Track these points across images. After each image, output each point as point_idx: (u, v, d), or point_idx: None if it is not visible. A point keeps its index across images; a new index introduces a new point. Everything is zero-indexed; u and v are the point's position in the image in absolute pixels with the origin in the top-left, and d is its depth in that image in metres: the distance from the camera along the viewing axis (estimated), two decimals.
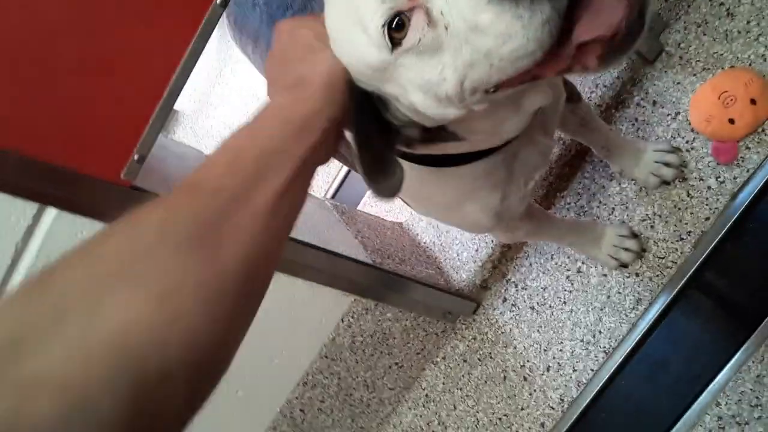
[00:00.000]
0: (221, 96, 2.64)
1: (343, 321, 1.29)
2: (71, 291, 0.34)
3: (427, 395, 1.47)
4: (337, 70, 0.55)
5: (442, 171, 0.75)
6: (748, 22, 1.10)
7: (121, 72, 0.90)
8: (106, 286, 0.34)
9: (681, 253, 1.12)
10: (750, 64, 1.08)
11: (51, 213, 0.94)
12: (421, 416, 1.47)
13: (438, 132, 0.62)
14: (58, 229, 0.95)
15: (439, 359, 1.46)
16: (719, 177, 1.09)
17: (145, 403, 0.32)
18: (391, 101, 0.58)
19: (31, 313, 0.32)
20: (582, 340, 1.22)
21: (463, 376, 1.40)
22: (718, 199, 1.09)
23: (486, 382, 1.36)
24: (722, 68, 1.11)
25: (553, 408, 1.24)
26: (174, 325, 0.34)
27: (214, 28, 0.93)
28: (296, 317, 1.25)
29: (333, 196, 1.69)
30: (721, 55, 1.12)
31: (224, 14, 1.08)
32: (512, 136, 0.72)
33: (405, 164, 0.75)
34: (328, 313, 1.28)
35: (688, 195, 1.12)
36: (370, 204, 1.65)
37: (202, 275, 0.37)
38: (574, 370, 1.22)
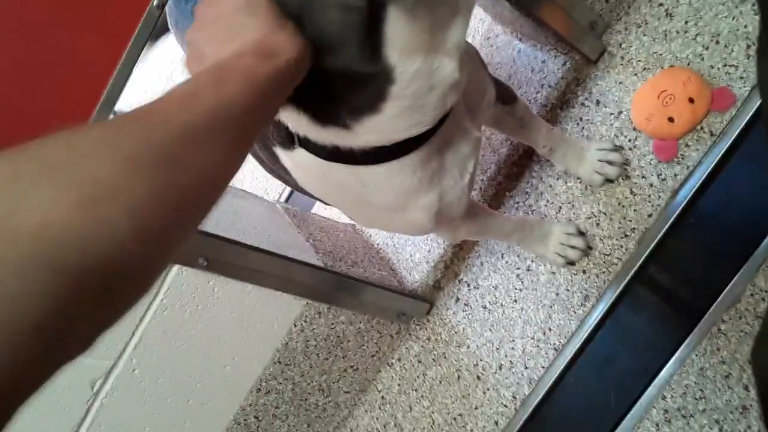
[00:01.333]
0: None
1: (295, 325, 1.29)
2: None
3: (383, 397, 1.47)
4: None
5: (380, 170, 0.74)
6: (686, 23, 1.13)
7: (54, 78, 0.88)
8: (33, 183, 0.33)
9: (626, 249, 1.14)
10: (688, 64, 1.11)
11: None
12: (377, 419, 1.47)
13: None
14: None
15: (394, 361, 1.46)
16: (660, 174, 1.11)
17: (59, 298, 0.31)
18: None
19: None
20: (533, 338, 1.24)
21: (418, 377, 1.41)
22: (660, 196, 1.11)
23: (440, 382, 1.37)
24: (662, 67, 1.13)
25: (506, 406, 1.25)
26: (98, 230, 0.33)
27: (151, 31, 0.91)
28: (248, 323, 1.24)
29: (287, 200, 1.68)
30: (661, 54, 1.14)
31: (167, 12, 1.07)
32: (441, 113, 0.70)
33: (343, 171, 0.74)
34: (281, 318, 1.27)
35: (632, 192, 1.14)
36: (324, 206, 1.64)
37: (136, 190, 0.36)
38: (526, 368, 1.24)
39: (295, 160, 0.77)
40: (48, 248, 0.31)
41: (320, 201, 0.94)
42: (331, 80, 0.61)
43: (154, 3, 0.89)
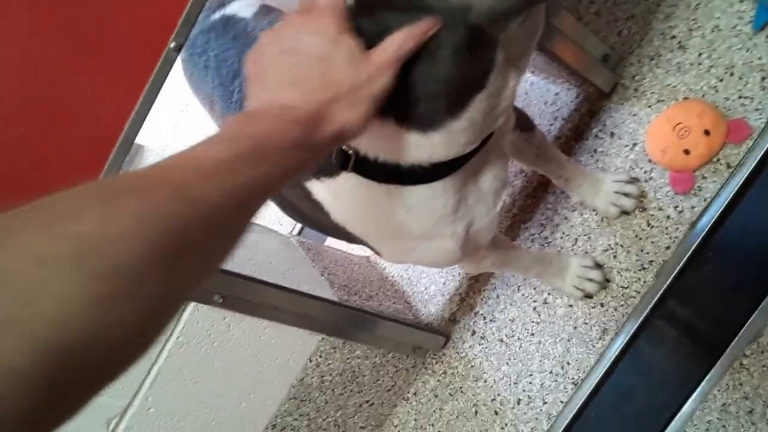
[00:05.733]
0: (188, 127, 2.62)
1: (311, 361, 1.28)
2: (22, 255, 0.32)
3: None
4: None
5: (425, 191, 0.74)
6: (700, 55, 1.13)
7: (74, 118, 0.89)
8: (59, 270, 0.33)
9: (644, 282, 1.13)
10: (703, 96, 1.11)
11: None
12: None
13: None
14: None
15: (410, 395, 1.44)
16: (678, 206, 1.10)
17: (51, 382, 0.31)
18: None
19: None
20: (551, 372, 1.22)
21: (434, 411, 1.39)
22: (677, 228, 1.10)
23: (458, 417, 1.35)
24: (676, 100, 1.13)
25: None
26: (109, 333, 0.34)
27: (168, 74, 0.92)
28: (263, 359, 1.23)
29: (299, 233, 1.68)
30: (675, 86, 1.14)
31: (181, 65, 1.09)
32: (486, 134, 0.72)
33: (389, 195, 0.74)
34: (296, 354, 1.27)
35: (648, 225, 1.13)
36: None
37: (157, 287, 0.36)
38: (545, 403, 1.22)
39: (336, 188, 0.77)
40: (58, 342, 0.31)
41: (345, 239, 0.93)
42: (423, 82, 0.62)
43: (171, 45, 0.90)
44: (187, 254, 0.39)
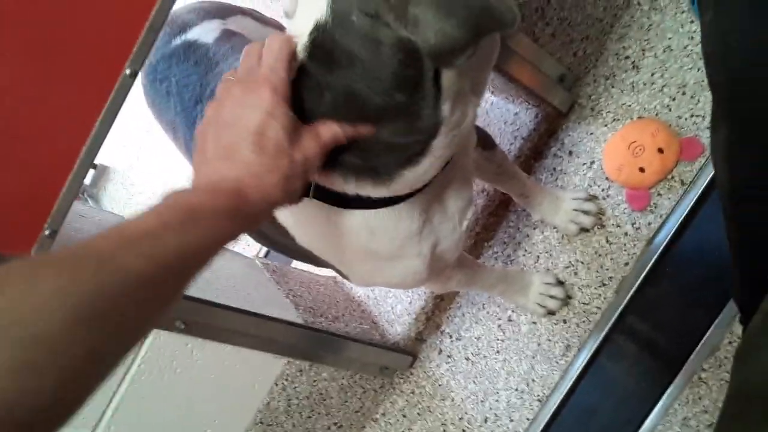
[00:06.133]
0: (152, 149, 2.59)
1: (277, 384, 1.27)
2: None
3: None
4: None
5: (389, 213, 0.75)
6: (653, 74, 1.15)
7: (29, 142, 0.88)
8: None
9: (604, 298, 1.14)
10: (656, 114, 1.13)
11: None
12: None
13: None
14: None
15: (378, 416, 1.44)
16: (635, 223, 1.12)
17: None
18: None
19: None
20: (516, 389, 1.23)
21: (403, 431, 1.39)
22: (635, 245, 1.12)
23: None
24: (631, 118, 1.16)
25: None
26: (28, 401, 0.35)
27: (124, 99, 0.91)
28: (228, 384, 1.22)
29: (266, 255, 1.67)
30: (629, 106, 1.17)
31: (143, 91, 1.08)
32: (450, 155, 0.73)
33: (352, 219, 0.74)
34: (261, 378, 1.25)
35: (607, 241, 1.15)
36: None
37: (77, 353, 0.38)
38: (511, 420, 1.22)
39: (299, 213, 0.77)
40: None
41: (313, 263, 0.93)
42: (378, 144, 0.64)
43: (127, 72, 0.89)
44: (112, 321, 0.40)
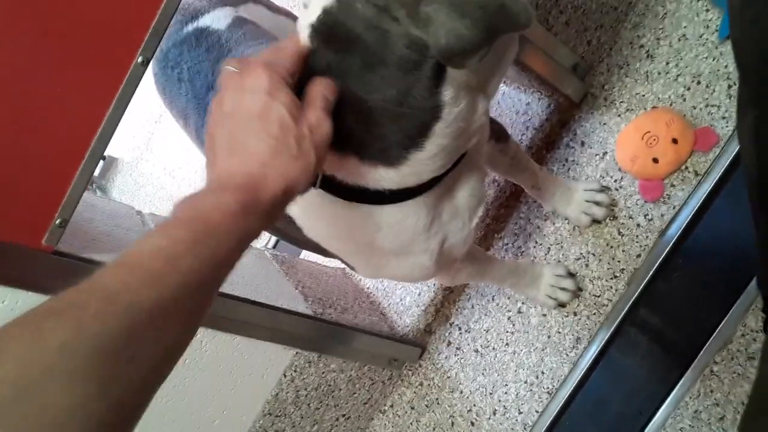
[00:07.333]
0: (161, 140, 2.59)
1: (285, 375, 1.26)
2: None
3: None
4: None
5: (396, 209, 0.73)
6: (667, 63, 1.14)
7: (40, 132, 0.88)
8: None
9: (615, 290, 1.13)
10: (671, 104, 1.12)
11: None
12: None
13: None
14: None
15: (386, 408, 1.43)
16: (647, 215, 1.11)
17: None
18: None
19: None
20: (526, 382, 1.22)
21: (411, 424, 1.38)
22: (647, 237, 1.11)
23: (434, 429, 1.34)
24: (645, 108, 1.14)
25: None
26: None
27: (136, 88, 0.91)
28: (236, 375, 1.22)
29: (275, 246, 1.67)
30: (643, 95, 1.15)
31: (153, 79, 1.07)
32: (462, 150, 0.72)
33: (358, 213, 0.73)
34: (270, 369, 1.25)
35: (619, 233, 1.14)
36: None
37: (94, 410, 0.35)
38: (520, 413, 1.22)
39: (306, 204, 0.76)
40: None
41: (321, 254, 0.92)
42: (377, 119, 0.63)
43: (138, 60, 0.89)
44: (130, 359, 0.38)
